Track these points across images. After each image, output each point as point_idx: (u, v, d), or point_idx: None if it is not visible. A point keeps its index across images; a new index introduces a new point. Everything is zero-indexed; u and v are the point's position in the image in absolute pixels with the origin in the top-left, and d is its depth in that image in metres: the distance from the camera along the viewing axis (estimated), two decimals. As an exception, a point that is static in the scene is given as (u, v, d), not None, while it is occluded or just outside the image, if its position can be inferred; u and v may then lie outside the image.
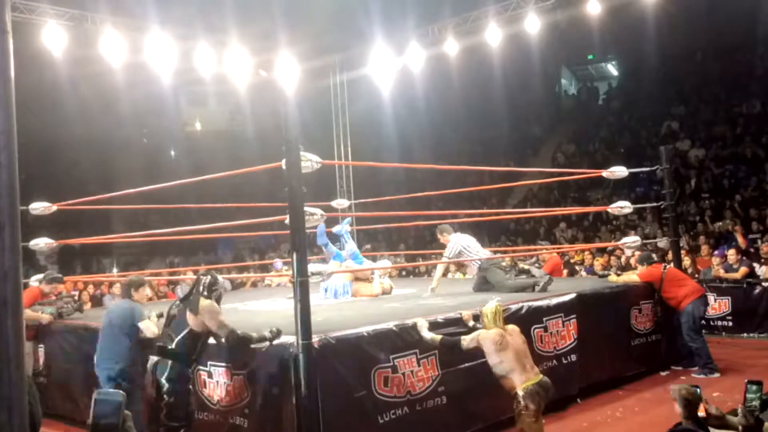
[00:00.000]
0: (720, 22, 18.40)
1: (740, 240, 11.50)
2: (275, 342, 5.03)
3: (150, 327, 5.71)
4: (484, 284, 7.94)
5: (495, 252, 13.26)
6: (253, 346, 5.07)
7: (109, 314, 5.96)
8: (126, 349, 5.62)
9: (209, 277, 5.17)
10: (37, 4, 10.73)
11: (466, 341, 5.14)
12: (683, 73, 20.85)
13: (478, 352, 5.15)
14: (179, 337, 4.94)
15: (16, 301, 1.98)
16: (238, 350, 5.18)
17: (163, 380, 4.87)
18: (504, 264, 9.78)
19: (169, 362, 4.89)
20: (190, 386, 5.06)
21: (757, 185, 15.04)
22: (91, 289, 11.68)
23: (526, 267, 12.25)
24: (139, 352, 5.63)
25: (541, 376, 5.03)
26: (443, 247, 8.29)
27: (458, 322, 5.84)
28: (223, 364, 5.42)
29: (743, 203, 14.40)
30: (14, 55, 2.16)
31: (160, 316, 6.16)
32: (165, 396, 4.86)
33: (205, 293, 5.05)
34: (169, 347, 4.93)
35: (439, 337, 5.34)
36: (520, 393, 4.86)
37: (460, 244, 8.01)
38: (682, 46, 20.71)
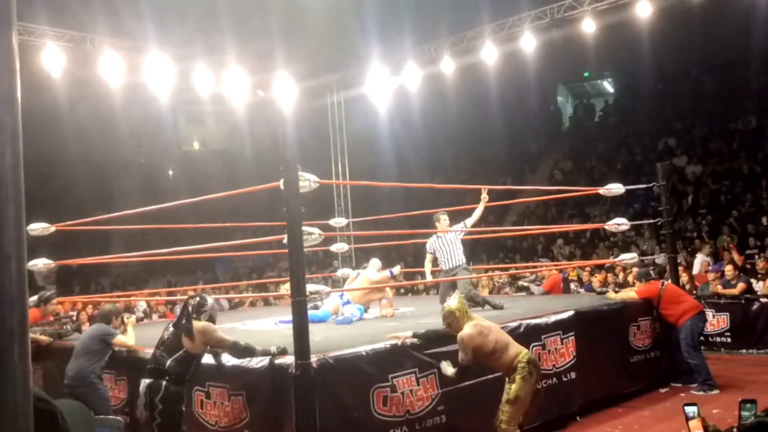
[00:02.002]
0: (715, 39, 18.55)
1: (736, 257, 11.50)
2: (276, 361, 5.04)
3: (125, 341, 6.32)
4: (451, 290, 8.02)
5: (494, 269, 13.32)
6: (256, 358, 5.11)
7: (83, 334, 6.54)
8: (86, 365, 6.12)
9: (197, 298, 5.20)
10: (37, 26, 10.82)
11: (462, 355, 5.06)
12: (679, 90, 20.97)
13: (476, 361, 5.12)
14: (172, 358, 4.94)
15: (22, 331, 2.00)
16: (239, 369, 5.20)
17: (156, 401, 4.86)
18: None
19: (163, 383, 4.88)
20: (183, 407, 5.06)
21: (754, 201, 15.09)
22: (90, 309, 11.66)
23: (526, 284, 12.28)
24: (103, 367, 6.22)
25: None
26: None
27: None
28: (222, 385, 5.41)
29: (740, 219, 14.44)
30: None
31: (140, 320, 6.40)
32: (157, 416, 4.86)
33: (194, 315, 5.08)
34: (162, 368, 4.93)
35: (454, 369, 5.17)
36: (524, 359, 4.95)
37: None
38: (677, 63, 20.86)
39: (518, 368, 4.97)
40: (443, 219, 8.32)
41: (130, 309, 11.93)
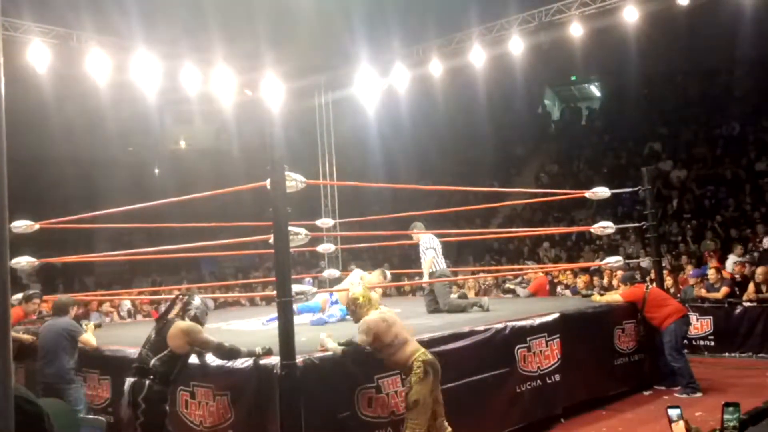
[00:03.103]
0: (699, 45, 18.70)
1: (714, 264, 11.45)
2: (261, 362, 5.02)
3: (90, 340, 6.39)
4: (435, 303, 8.06)
5: (480, 271, 13.35)
6: (241, 359, 5.09)
7: (48, 331, 6.44)
8: (66, 362, 6.17)
9: (185, 298, 5.17)
10: (22, 21, 10.72)
11: (362, 338, 4.97)
12: (664, 95, 21.15)
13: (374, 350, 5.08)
14: (156, 357, 4.91)
15: (4, 326, 1.98)
16: (223, 369, 5.18)
17: (139, 400, 4.83)
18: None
19: (147, 382, 4.86)
20: (167, 407, 5.03)
21: (737, 206, 15.21)
22: (74, 308, 11.53)
23: (512, 287, 12.32)
24: (76, 365, 6.29)
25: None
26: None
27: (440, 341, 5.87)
28: (206, 385, 5.38)
29: (724, 224, 14.56)
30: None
31: (98, 326, 6.42)
32: (140, 416, 4.83)
33: (180, 314, 5.05)
34: (147, 367, 4.91)
35: (341, 348, 5.10)
36: (420, 359, 4.83)
37: (432, 245, 8.16)
38: (662, 68, 21.03)
39: (413, 368, 4.87)
40: (416, 228, 8.40)
41: (115, 308, 11.86)
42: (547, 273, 11.97)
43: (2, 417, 1.94)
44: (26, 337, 7.16)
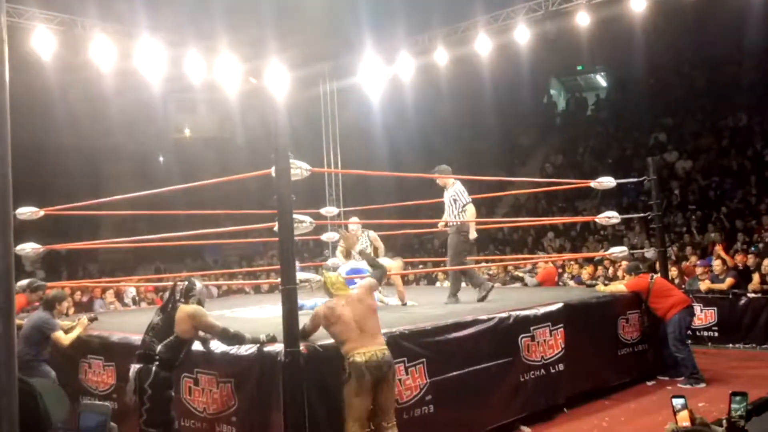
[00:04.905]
0: (707, 35, 18.61)
1: (722, 255, 11.32)
2: (265, 349, 5.03)
3: (60, 338, 6.39)
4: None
5: (486, 261, 13.34)
6: (245, 345, 5.10)
7: (27, 321, 6.53)
8: (25, 352, 6.13)
9: (186, 282, 5.17)
10: (27, 8, 10.69)
11: (308, 323, 5.03)
12: (670, 85, 21.03)
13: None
14: (163, 343, 4.93)
15: (8, 308, 1.99)
16: (227, 356, 5.20)
17: (146, 386, 4.86)
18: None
19: (153, 368, 4.88)
20: (172, 392, 5.05)
21: (743, 197, 15.15)
22: (78, 295, 11.58)
23: (521, 275, 12.30)
24: (41, 363, 6.30)
25: (380, 347, 4.83)
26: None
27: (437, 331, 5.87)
28: (210, 372, 5.39)
29: (729, 215, 14.51)
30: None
31: (93, 320, 6.43)
32: (146, 402, 4.86)
33: (182, 300, 5.06)
34: (152, 354, 4.92)
35: (262, 336, 5.09)
36: (348, 361, 4.74)
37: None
38: (669, 58, 20.91)
39: (343, 366, 4.76)
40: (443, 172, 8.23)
41: (119, 295, 11.88)
42: (554, 263, 11.96)
43: (5, 396, 1.94)
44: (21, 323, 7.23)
